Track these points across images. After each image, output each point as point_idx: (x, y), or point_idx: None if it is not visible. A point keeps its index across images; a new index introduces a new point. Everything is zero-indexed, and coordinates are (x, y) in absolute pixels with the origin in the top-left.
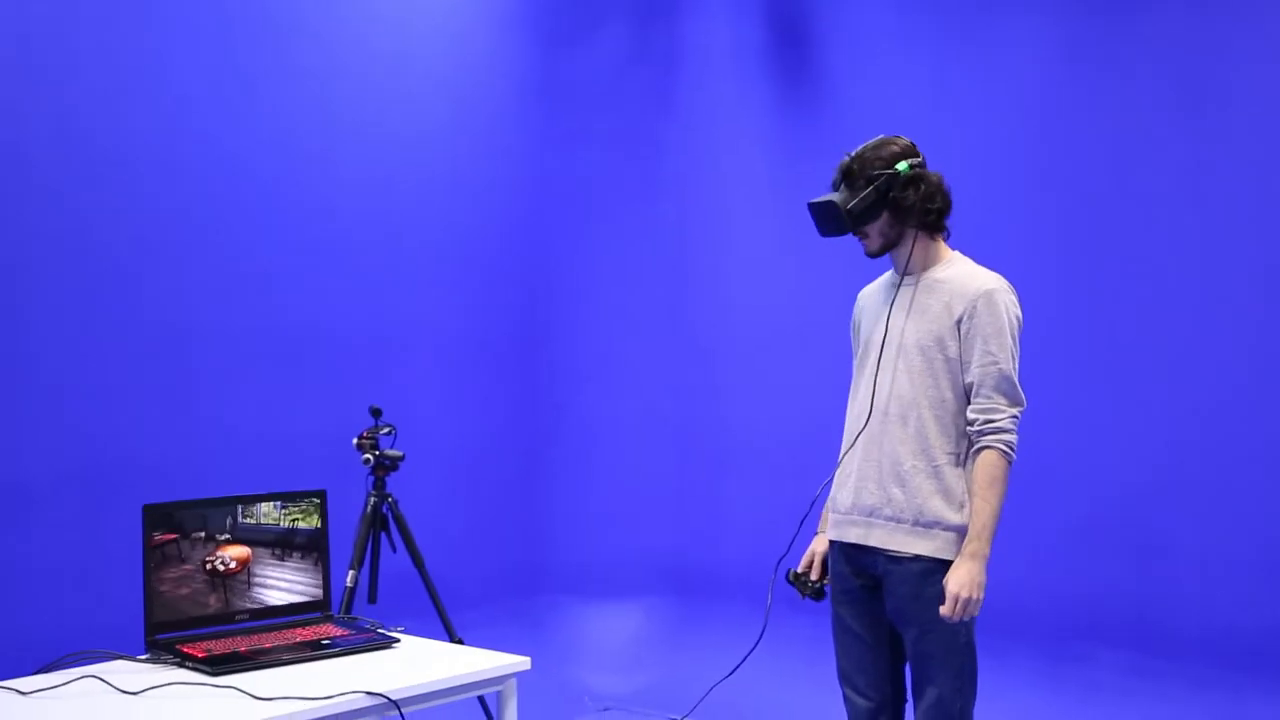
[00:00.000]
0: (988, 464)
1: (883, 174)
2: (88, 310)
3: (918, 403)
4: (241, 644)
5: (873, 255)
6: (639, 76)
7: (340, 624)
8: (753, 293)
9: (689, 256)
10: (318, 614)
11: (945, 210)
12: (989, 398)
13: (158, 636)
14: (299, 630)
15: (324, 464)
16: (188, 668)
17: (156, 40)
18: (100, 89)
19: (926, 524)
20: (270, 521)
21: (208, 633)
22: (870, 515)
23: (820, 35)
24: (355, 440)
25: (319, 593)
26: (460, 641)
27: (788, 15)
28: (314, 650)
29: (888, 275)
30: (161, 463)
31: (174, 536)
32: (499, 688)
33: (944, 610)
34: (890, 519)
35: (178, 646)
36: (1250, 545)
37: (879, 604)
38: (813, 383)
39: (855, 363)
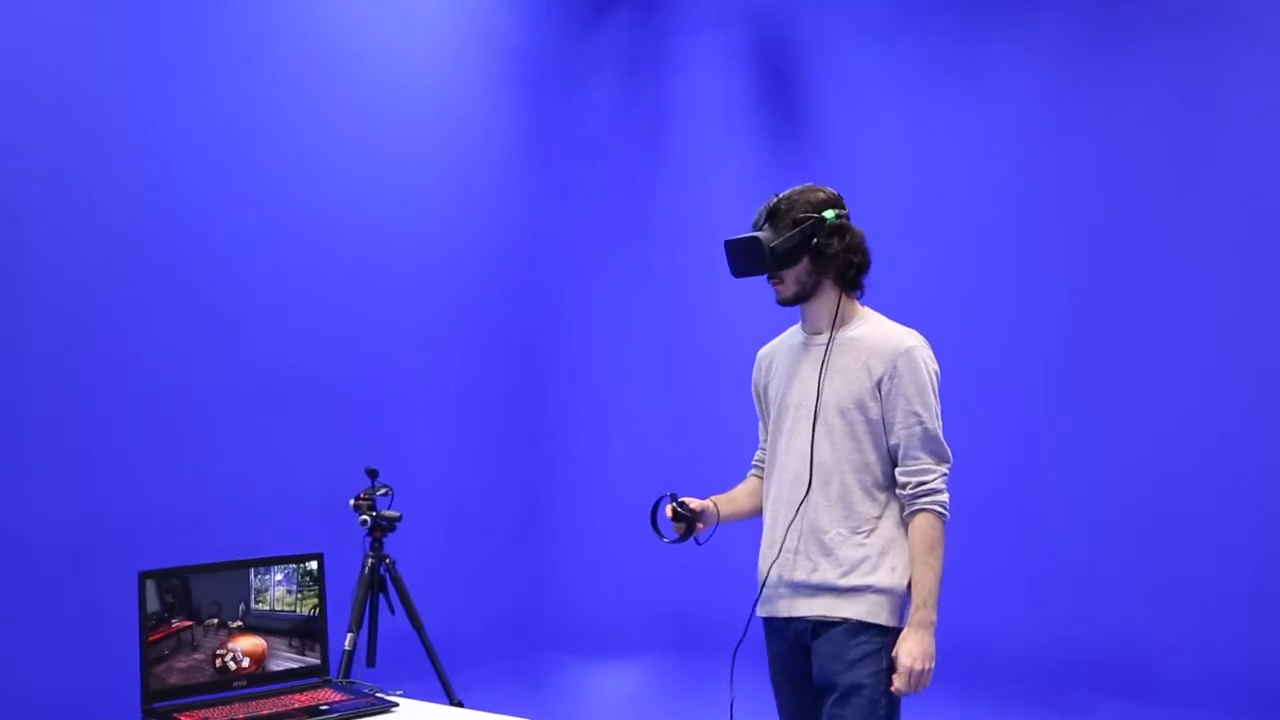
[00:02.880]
0: (925, 529)
1: (809, 217)
2: (86, 371)
3: (840, 468)
4: (239, 712)
5: (784, 303)
6: (629, 126)
7: (338, 689)
8: (745, 340)
9: (681, 304)
10: (316, 679)
11: (864, 268)
12: (917, 459)
13: (154, 705)
14: (297, 696)
15: (321, 525)
16: None
17: (150, 102)
18: (96, 145)
19: (855, 589)
20: (285, 608)
21: (205, 699)
22: (797, 587)
23: (808, 83)
24: (352, 501)
25: (317, 658)
26: (460, 704)
27: (775, 64)
28: (312, 717)
29: (791, 333)
30: (159, 525)
31: (189, 624)
32: None
33: (896, 684)
34: (818, 587)
35: (175, 715)
36: (1254, 587)
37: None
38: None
39: (766, 427)
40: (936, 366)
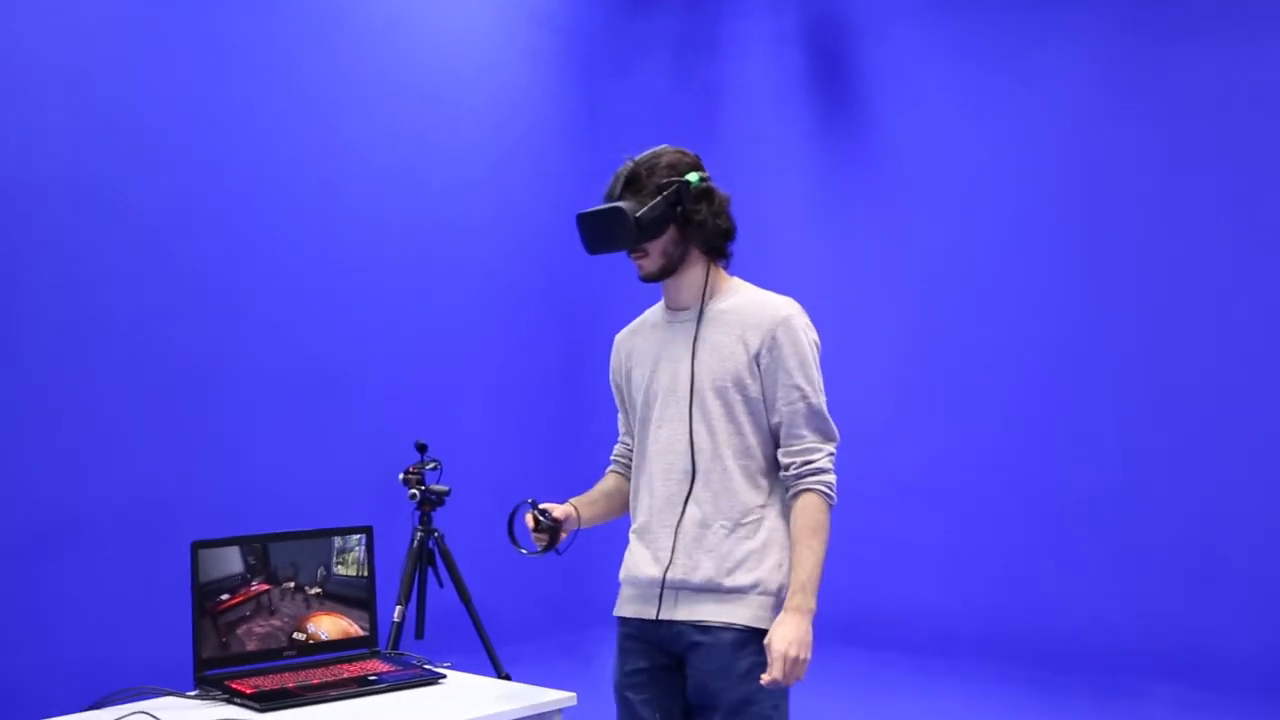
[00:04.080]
0: (809, 510)
1: (673, 182)
2: (141, 349)
3: (720, 454)
4: (289, 680)
5: (648, 278)
6: (679, 109)
7: (387, 660)
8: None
9: None
10: (365, 650)
11: (731, 234)
12: (801, 437)
13: (206, 673)
14: (346, 666)
15: (370, 499)
16: (236, 704)
17: (203, 88)
18: (153, 133)
19: (740, 589)
20: (353, 574)
21: (256, 669)
22: (677, 588)
23: (859, 65)
24: (401, 475)
25: (366, 628)
26: (507, 677)
27: (826, 46)
28: (361, 686)
29: (651, 313)
30: (211, 498)
31: (267, 588)
32: None
33: (768, 674)
34: (698, 588)
35: (226, 683)
36: None
37: (677, 686)
38: (854, 411)
39: (629, 419)
40: (816, 336)
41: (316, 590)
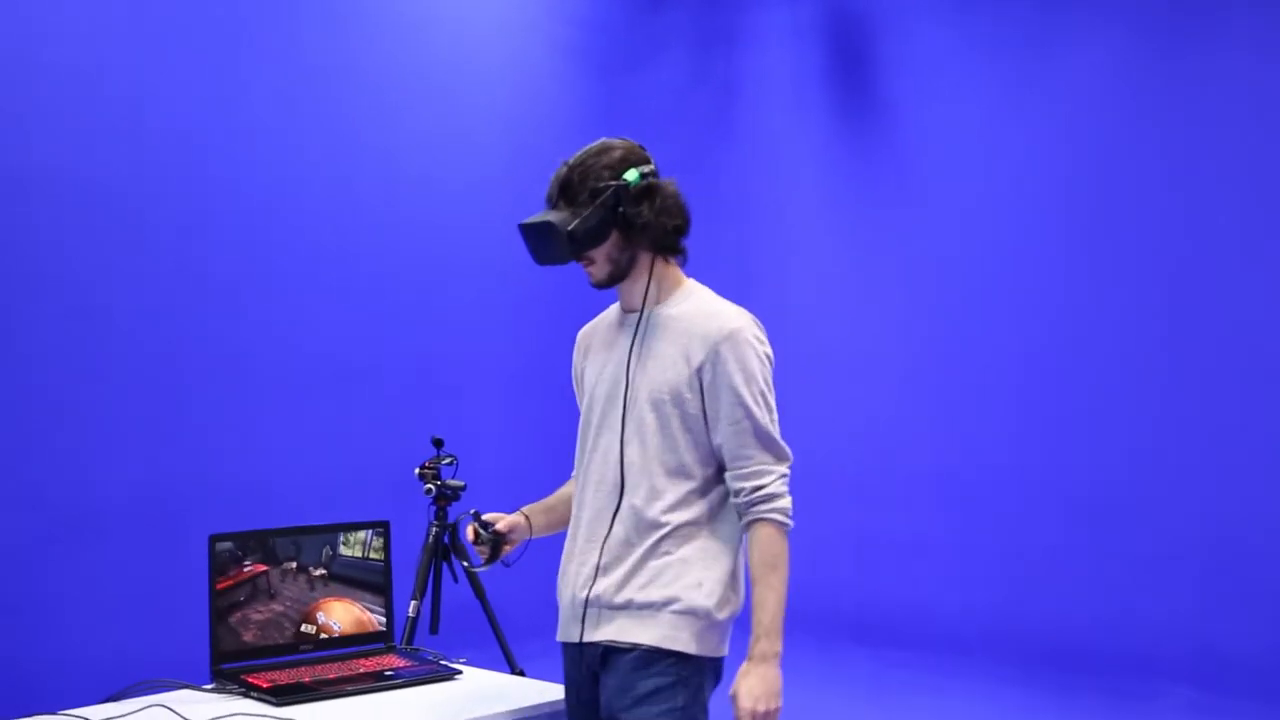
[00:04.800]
0: (764, 543)
1: (609, 186)
2: (159, 345)
3: (650, 470)
4: (305, 674)
5: (599, 286)
6: (697, 103)
7: (403, 655)
8: (812, 317)
9: (749, 282)
10: (380, 645)
11: (683, 229)
12: (748, 459)
13: (223, 666)
14: (362, 661)
15: (386, 494)
16: (252, 698)
17: (225, 86)
18: (175, 132)
19: (650, 604)
20: (358, 555)
21: (272, 663)
22: (599, 607)
23: (879, 60)
24: (417, 470)
25: (382, 623)
26: (521, 673)
27: (846, 40)
28: (377, 681)
29: (614, 309)
30: (227, 492)
31: (264, 568)
32: None
33: None
34: (616, 606)
35: (242, 676)
36: None
37: None
38: (873, 408)
39: (581, 421)
40: (768, 350)
41: (321, 572)
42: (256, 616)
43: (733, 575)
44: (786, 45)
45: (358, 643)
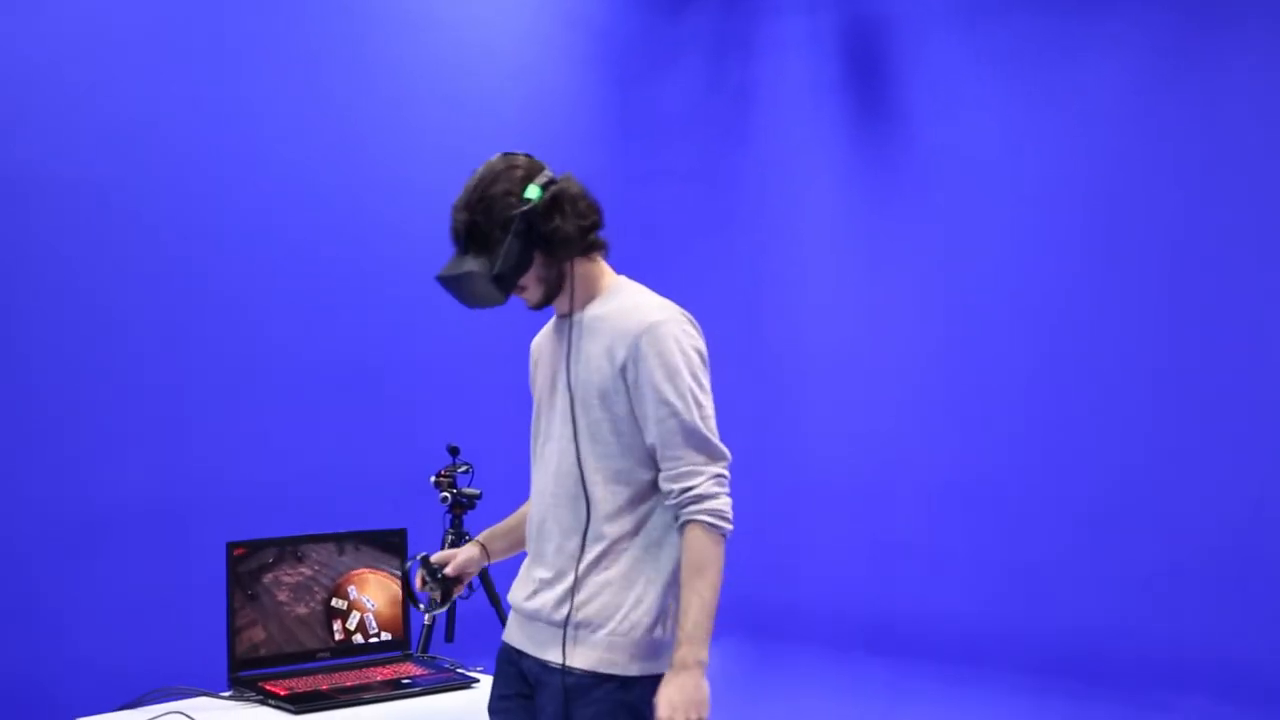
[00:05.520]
0: (691, 547)
1: (517, 213)
2: (176, 351)
3: (586, 478)
4: (323, 682)
5: (538, 308)
6: (713, 111)
7: (420, 663)
8: (828, 325)
9: (764, 288)
10: (397, 653)
11: (598, 222)
12: (677, 459)
13: (241, 673)
14: (379, 669)
15: (402, 502)
16: (270, 705)
17: (240, 95)
18: (197, 135)
19: (588, 624)
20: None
21: (290, 670)
22: (533, 617)
23: (895, 69)
24: (433, 478)
25: (399, 631)
26: None
27: (862, 48)
28: (394, 689)
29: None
30: (244, 499)
31: (309, 574)
32: None
33: None
34: (552, 622)
35: (260, 684)
36: None
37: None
38: (888, 417)
39: (530, 431)
40: (698, 343)
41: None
42: (287, 579)
43: (676, 588)
44: (803, 53)
45: (375, 650)
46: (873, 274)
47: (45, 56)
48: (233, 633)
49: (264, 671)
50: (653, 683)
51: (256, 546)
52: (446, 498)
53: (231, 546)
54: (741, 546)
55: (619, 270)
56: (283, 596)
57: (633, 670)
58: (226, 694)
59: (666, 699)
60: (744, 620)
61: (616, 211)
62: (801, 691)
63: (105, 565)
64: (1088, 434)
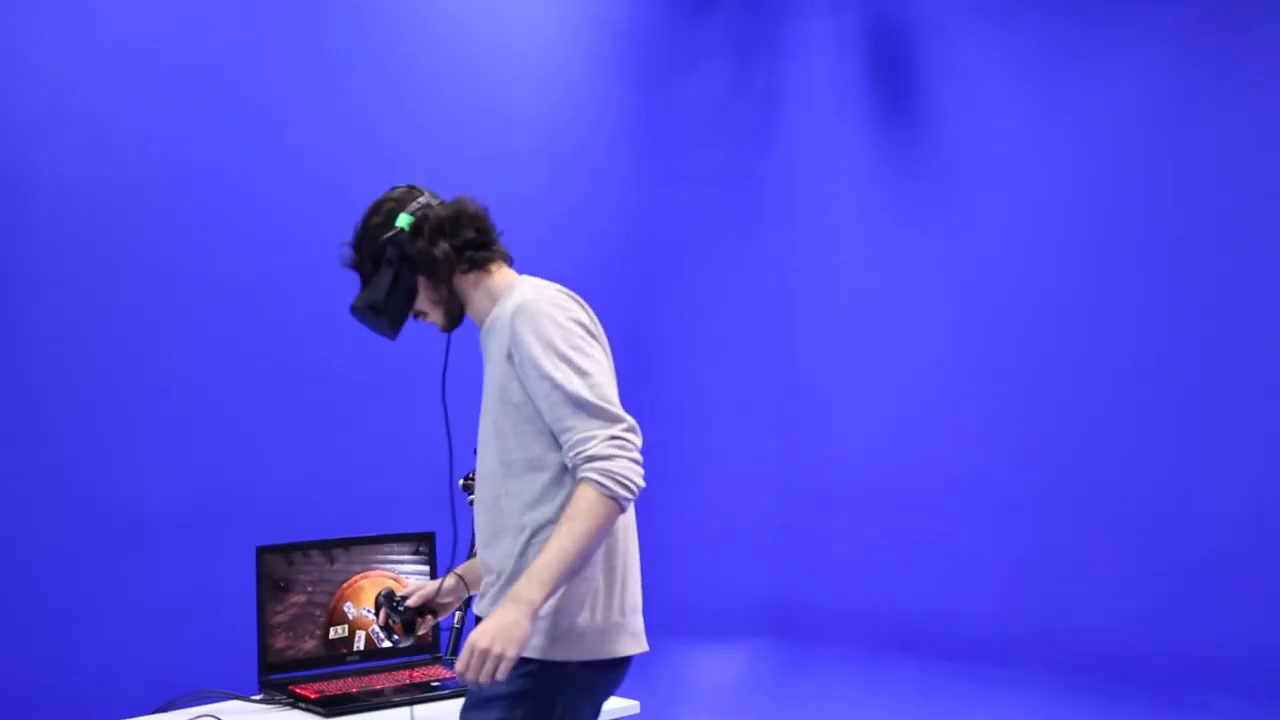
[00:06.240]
0: (575, 498)
1: (388, 241)
2: (207, 353)
3: (508, 474)
4: (353, 685)
5: (447, 330)
6: (739, 113)
7: (449, 666)
8: (855, 328)
9: (790, 292)
10: (426, 655)
11: (479, 238)
12: (570, 429)
13: (271, 677)
14: (409, 672)
15: (429, 505)
16: (301, 709)
17: (259, 98)
18: (224, 136)
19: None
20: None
21: (320, 674)
22: (484, 617)
23: (921, 68)
24: (462, 481)
25: (427, 635)
26: None
27: (888, 49)
28: (424, 692)
29: None
30: (274, 503)
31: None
32: None
33: (457, 666)
34: (479, 618)
35: (290, 688)
36: None
37: None
38: (917, 417)
39: None
40: (575, 314)
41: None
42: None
43: (607, 567)
44: (828, 54)
45: (403, 654)
46: (899, 275)
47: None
48: (263, 636)
49: (294, 675)
50: (582, 670)
51: (287, 550)
52: (474, 500)
53: (262, 550)
54: (770, 546)
55: (642, 272)
56: (313, 600)
57: (554, 655)
58: (257, 697)
59: (482, 627)
60: (773, 620)
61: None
62: (831, 692)
63: (137, 569)
64: (1116, 433)
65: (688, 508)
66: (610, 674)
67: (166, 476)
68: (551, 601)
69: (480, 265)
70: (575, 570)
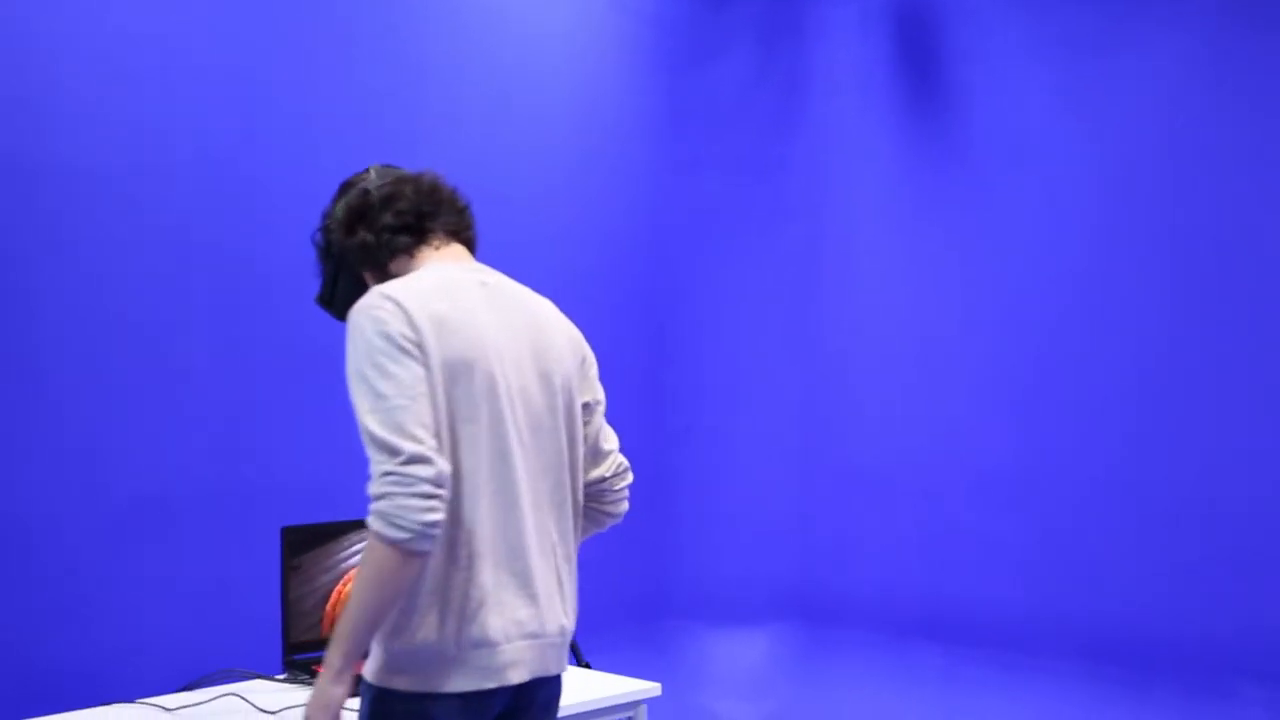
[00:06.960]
0: (365, 551)
1: (322, 232)
2: (231, 334)
3: None
4: None
5: None
6: (765, 99)
7: None
8: (880, 314)
9: (816, 279)
10: None
11: (398, 223)
12: (370, 461)
13: (295, 656)
14: None
15: None
16: None
17: (277, 89)
18: (239, 122)
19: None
20: None
21: None
22: None
23: (949, 54)
24: None
25: None
26: (587, 666)
27: (915, 36)
28: None
29: None
30: (298, 484)
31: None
32: (630, 714)
33: None
34: None
35: (314, 667)
36: None
37: None
38: (941, 404)
39: None
40: (383, 325)
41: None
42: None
43: (440, 600)
44: (854, 39)
45: None
46: (926, 263)
47: (60, 45)
48: (287, 616)
49: (318, 655)
50: (416, 697)
51: (310, 531)
52: None
53: (286, 531)
54: (793, 531)
55: (665, 258)
56: (336, 580)
57: (383, 682)
58: (281, 676)
59: (308, 700)
60: (795, 604)
61: (666, 201)
62: (853, 676)
63: (162, 550)
64: (1142, 420)
65: (711, 492)
66: (462, 707)
67: (191, 457)
68: (384, 630)
69: (404, 250)
70: (372, 622)
